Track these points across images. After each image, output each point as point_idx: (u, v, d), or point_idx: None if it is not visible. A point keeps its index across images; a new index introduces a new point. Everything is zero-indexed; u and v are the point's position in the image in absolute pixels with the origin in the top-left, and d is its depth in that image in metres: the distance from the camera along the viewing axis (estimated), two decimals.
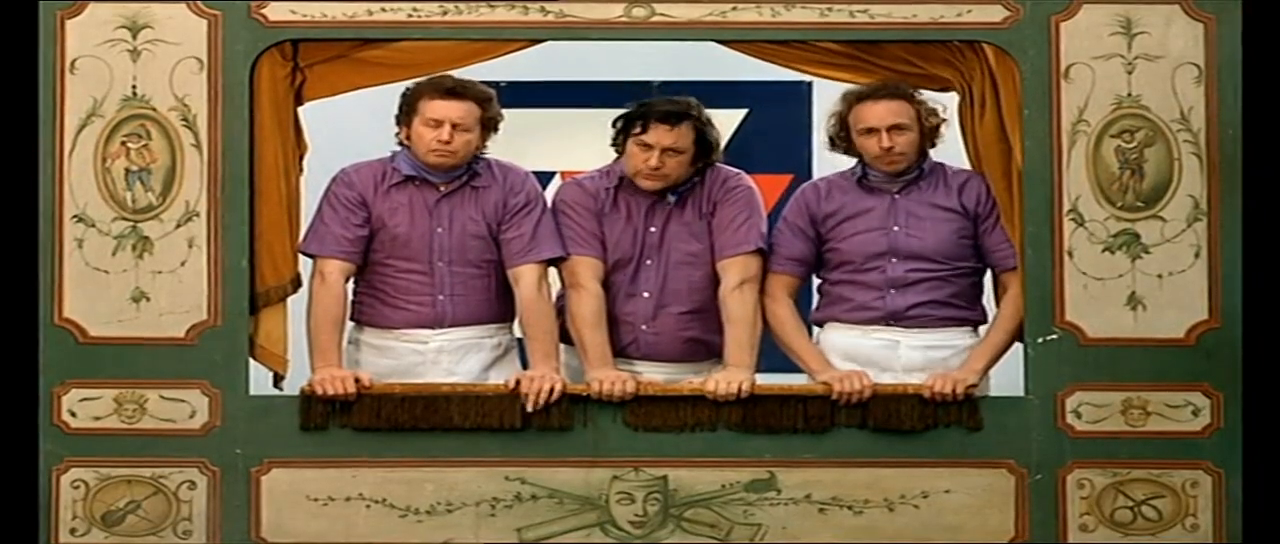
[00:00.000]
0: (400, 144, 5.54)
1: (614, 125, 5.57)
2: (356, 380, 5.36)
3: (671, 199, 5.56)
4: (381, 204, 5.50)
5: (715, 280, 5.55)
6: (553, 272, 5.58)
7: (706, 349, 5.58)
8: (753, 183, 5.63)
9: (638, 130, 5.50)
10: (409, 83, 5.52)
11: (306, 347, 5.43)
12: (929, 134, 5.54)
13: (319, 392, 5.34)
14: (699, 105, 5.54)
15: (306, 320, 5.45)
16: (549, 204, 5.61)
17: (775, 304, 5.57)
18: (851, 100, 5.55)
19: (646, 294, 5.56)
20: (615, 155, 5.61)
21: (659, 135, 5.48)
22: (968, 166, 5.58)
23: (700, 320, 5.57)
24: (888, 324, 5.53)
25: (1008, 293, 5.50)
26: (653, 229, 5.58)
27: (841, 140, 5.59)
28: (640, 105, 5.55)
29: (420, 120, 5.47)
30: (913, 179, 5.55)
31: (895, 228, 5.53)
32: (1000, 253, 5.51)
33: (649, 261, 5.58)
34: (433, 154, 5.46)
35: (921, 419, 5.36)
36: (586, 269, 5.52)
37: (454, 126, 5.44)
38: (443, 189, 5.52)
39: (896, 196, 5.54)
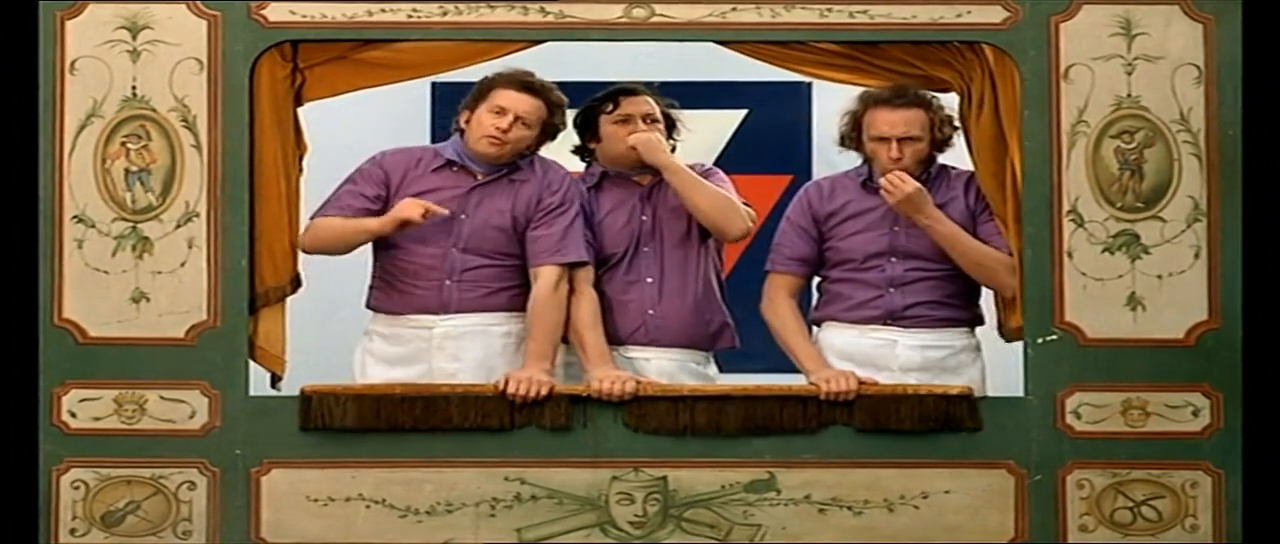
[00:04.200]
0: (458, 129, 5.55)
1: (576, 125, 5.66)
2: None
3: (656, 186, 5.61)
4: (413, 185, 5.50)
5: (706, 262, 5.61)
6: None
7: (707, 332, 5.60)
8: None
9: (609, 110, 5.60)
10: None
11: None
12: (939, 144, 5.55)
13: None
14: None
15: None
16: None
17: (777, 305, 5.58)
18: (868, 103, 5.55)
19: (650, 279, 5.59)
20: (584, 162, 5.68)
21: (633, 105, 5.59)
22: (969, 167, 5.58)
23: (699, 301, 5.60)
24: (886, 323, 5.54)
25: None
26: (645, 217, 5.61)
27: (852, 140, 5.60)
28: (588, 101, 5.66)
29: (487, 106, 5.50)
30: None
31: (896, 228, 5.54)
32: (992, 243, 5.50)
33: (646, 248, 5.61)
34: (485, 140, 5.48)
35: (921, 420, 5.36)
36: (586, 275, 5.55)
37: (517, 119, 5.46)
38: (479, 178, 5.53)
39: None
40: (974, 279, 5.54)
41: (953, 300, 5.55)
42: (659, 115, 5.63)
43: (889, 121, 5.51)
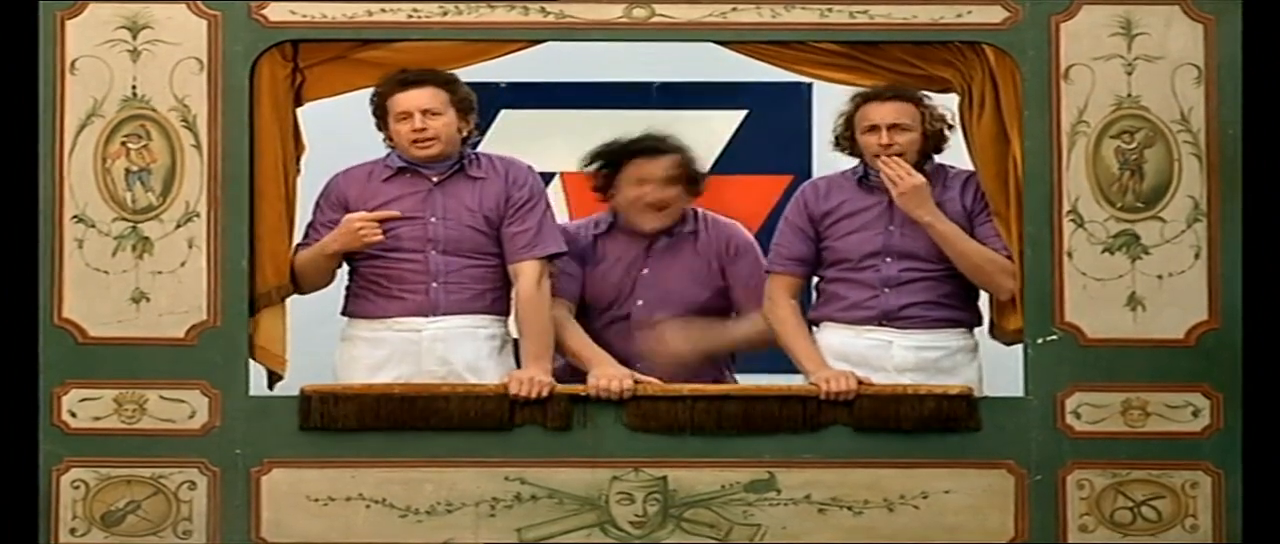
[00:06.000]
0: (388, 147, 5.57)
1: (596, 164, 5.66)
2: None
3: (665, 241, 5.63)
4: (372, 198, 5.51)
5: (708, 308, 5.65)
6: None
7: (716, 367, 5.65)
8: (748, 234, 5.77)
9: (624, 167, 5.62)
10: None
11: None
12: (933, 138, 5.54)
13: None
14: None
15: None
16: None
17: (776, 307, 5.59)
18: (859, 101, 5.57)
19: (639, 335, 5.60)
20: (601, 197, 5.69)
21: (653, 168, 5.60)
22: (969, 167, 5.58)
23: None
24: (881, 324, 5.53)
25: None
26: (645, 271, 5.63)
27: (846, 140, 5.60)
28: (617, 145, 5.66)
29: (393, 118, 5.51)
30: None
31: (891, 227, 5.53)
32: (990, 244, 5.50)
33: (640, 302, 5.61)
34: (415, 146, 5.49)
35: (921, 420, 5.36)
36: (564, 309, 5.56)
37: (424, 112, 5.47)
38: (435, 179, 5.53)
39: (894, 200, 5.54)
40: (970, 280, 5.53)
41: (948, 300, 5.55)
42: (676, 176, 5.64)
43: (879, 112, 5.51)
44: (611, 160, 5.67)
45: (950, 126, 5.55)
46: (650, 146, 5.65)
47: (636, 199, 5.63)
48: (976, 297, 5.59)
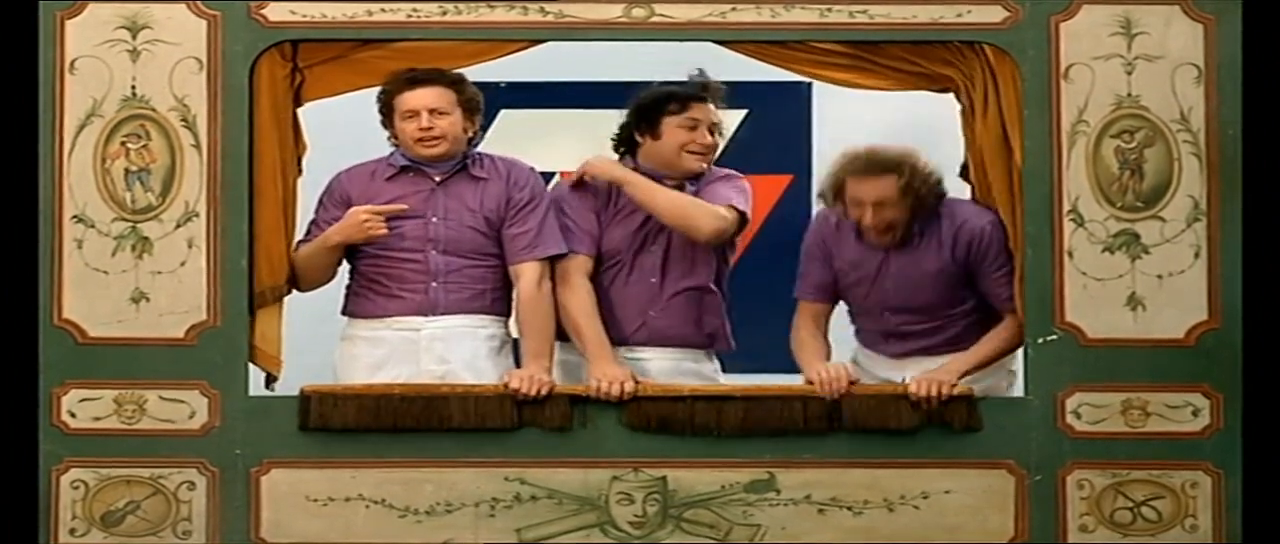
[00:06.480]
0: (394, 144, 5.57)
1: (632, 116, 5.63)
2: None
3: (690, 189, 5.61)
4: (375, 196, 5.52)
5: (709, 264, 5.61)
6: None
7: (703, 333, 5.62)
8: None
9: (674, 110, 5.58)
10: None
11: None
12: (928, 197, 5.48)
13: None
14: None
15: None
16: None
17: (798, 330, 5.64)
18: (846, 171, 5.50)
19: (654, 279, 5.58)
20: (620, 155, 5.64)
21: (706, 112, 5.60)
22: (969, 165, 5.57)
23: (701, 304, 5.60)
24: (897, 357, 5.54)
25: (1005, 320, 5.47)
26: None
27: (836, 199, 5.55)
28: (654, 94, 5.63)
29: (399, 116, 5.52)
30: (904, 241, 5.52)
31: (887, 285, 5.52)
32: (999, 296, 5.47)
33: (653, 247, 5.60)
34: (420, 145, 5.50)
35: (921, 420, 5.35)
36: (579, 266, 5.55)
37: (431, 112, 5.48)
38: (438, 179, 5.53)
39: (889, 253, 5.52)
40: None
41: (959, 340, 5.51)
42: (722, 124, 5.65)
43: (863, 190, 5.46)
44: (651, 112, 5.62)
45: (937, 179, 5.48)
46: (695, 95, 5.61)
47: (687, 143, 5.60)
48: (988, 321, 5.53)
